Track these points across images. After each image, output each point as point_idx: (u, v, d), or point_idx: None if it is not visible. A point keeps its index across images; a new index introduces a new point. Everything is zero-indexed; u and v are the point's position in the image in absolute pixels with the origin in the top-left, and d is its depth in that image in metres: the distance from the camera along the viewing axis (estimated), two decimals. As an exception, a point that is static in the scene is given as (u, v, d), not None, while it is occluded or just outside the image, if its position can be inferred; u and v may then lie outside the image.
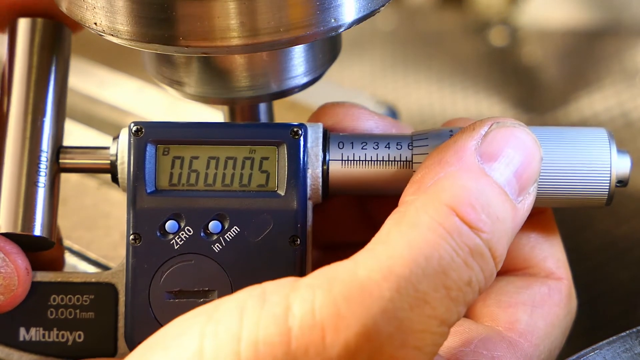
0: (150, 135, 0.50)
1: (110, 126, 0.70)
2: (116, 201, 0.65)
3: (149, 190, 0.50)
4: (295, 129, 0.50)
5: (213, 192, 0.50)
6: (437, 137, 0.50)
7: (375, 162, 0.50)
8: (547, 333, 0.50)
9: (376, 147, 0.50)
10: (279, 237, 0.50)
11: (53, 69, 0.53)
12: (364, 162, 0.50)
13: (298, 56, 0.52)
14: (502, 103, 0.87)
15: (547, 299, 0.51)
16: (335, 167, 0.50)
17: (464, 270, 0.43)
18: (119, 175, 0.51)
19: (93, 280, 0.51)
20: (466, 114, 0.86)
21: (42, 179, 0.51)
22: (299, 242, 0.49)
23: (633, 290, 0.70)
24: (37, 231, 0.51)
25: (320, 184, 0.50)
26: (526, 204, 0.47)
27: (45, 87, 0.52)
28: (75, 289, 0.51)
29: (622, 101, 0.84)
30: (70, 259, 0.62)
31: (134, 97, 0.71)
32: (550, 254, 0.53)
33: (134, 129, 0.50)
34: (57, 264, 0.55)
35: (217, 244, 0.50)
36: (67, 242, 0.62)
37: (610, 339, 0.49)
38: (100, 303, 0.51)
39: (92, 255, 0.62)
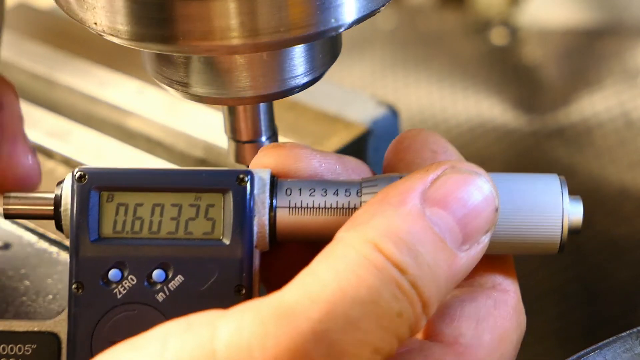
0: (94, 182, 0.49)
1: (110, 126, 0.70)
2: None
3: (92, 238, 0.49)
4: (241, 176, 0.49)
5: (157, 240, 0.49)
6: (387, 183, 0.48)
7: (323, 209, 0.49)
8: (494, 347, 0.49)
9: (324, 193, 0.49)
10: (224, 286, 0.48)
11: None
12: (311, 209, 0.49)
13: (298, 56, 0.52)
14: (502, 103, 0.87)
15: (492, 311, 0.49)
16: (282, 214, 0.49)
17: (394, 301, 0.42)
18: (63, 222, 0.49)
19: (35, 329, 0.50)
20: (466, 114, 0.86)
21: None
22: (244, 292, 0.48)
23: (633, 290, 0.70)
24: None
25: (267, 231, 0.49)
26: (473, 252, 0.45)
27: None
28: (16, 338, 0.50)
29: (622, 101, 0.84)
30: (66, 258, 0.62)
31: (134, 97, 0.71)
32: (496, 265, 0.51)
33: (77, 175, 0.49)
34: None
35: (161, 293, 0.48)
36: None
37: (610, 339, 0.49)
38: (43, 353, 0.50)
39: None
